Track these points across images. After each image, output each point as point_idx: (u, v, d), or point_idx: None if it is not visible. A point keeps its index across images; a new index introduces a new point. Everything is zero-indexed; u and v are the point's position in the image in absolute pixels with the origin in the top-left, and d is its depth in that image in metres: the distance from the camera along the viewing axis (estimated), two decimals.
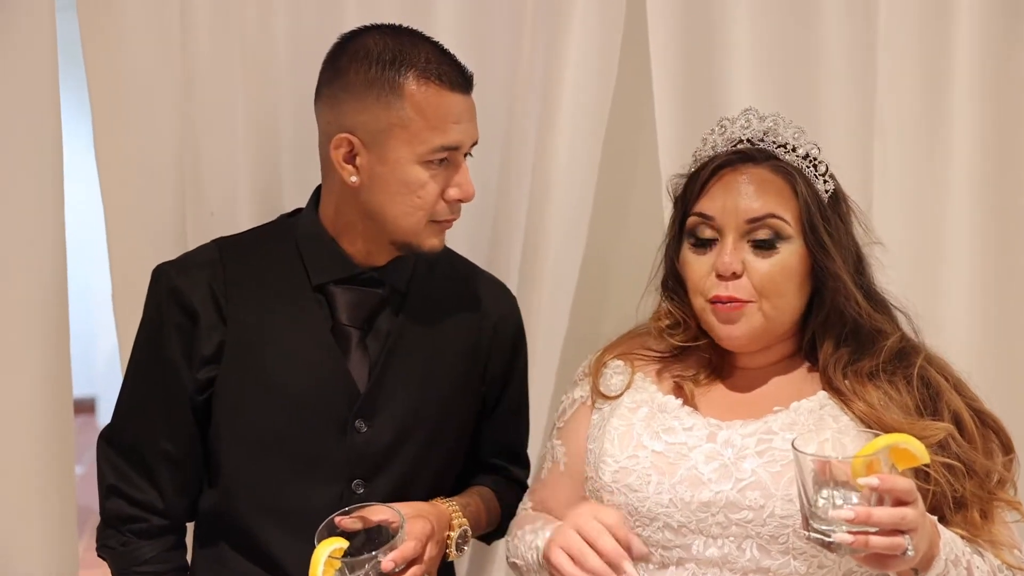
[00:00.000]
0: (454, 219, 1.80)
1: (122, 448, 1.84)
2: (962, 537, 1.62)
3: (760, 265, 1.71)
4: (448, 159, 1.75)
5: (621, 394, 1.80)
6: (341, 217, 1.81)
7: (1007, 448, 1.72)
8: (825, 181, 1.75)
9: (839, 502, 1.45)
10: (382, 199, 1.75)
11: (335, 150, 1.75)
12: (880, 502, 1.45)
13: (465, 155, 1.78)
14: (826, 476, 1.46)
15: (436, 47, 1.77)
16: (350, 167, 1.75)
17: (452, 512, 1.82)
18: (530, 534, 1.77)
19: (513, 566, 1.83)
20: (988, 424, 1.72)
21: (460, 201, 1.78)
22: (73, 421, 2.18)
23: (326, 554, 1.59)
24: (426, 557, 1.71)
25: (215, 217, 2.13)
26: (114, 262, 2.16)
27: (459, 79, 1.75)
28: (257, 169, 2.17)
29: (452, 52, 1.80)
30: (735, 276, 1.71)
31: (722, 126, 1.82)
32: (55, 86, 2.07)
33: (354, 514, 1.66)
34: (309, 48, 2.04)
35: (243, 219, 2.12)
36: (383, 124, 1.72)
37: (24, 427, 2.09)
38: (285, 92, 2.15)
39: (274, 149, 2.18)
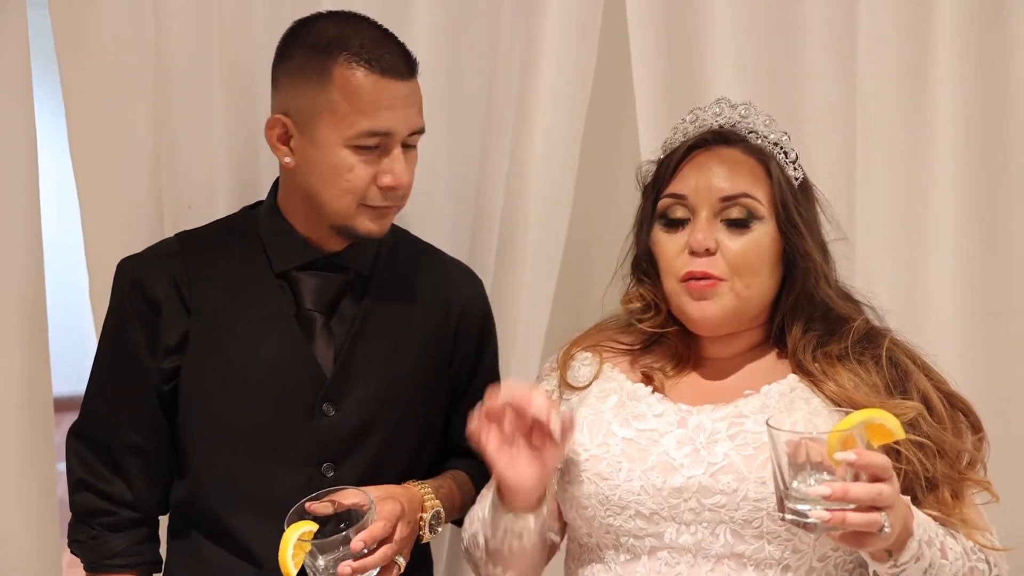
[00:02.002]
0: (390, 206, 1.79)
1: (89, 441, 1.85)
2: (935, 518, 1.60)
3: (734, 243, 1.70)
4: (381, 145, 1.74)
5: (589, 384, 1.78)
6: (288, 201, 1.84)
7: (976, 428, 1.71)
8: (795, 168, 1.76)
9: (813, 481, 1.43)
10: (314, 181, 1.77)
11: (269, 131, 1.79)
12: (856, 479, 1.43)
13: (411, 145, 1.78)
14: (801, 454, 1.44)
15: (380, 33, 1.77)
16: (285, 148, 1.78)
17: (424, 494, 1.81)
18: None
19: (467, 550, 1.82)
20: (956, 405, 1.71)
21: (393, 188, 1.76)
22: (54, 421, 2.17)
23: (295, 537, 1.59)
24: (396, 537, 1.70)
25: (192, 210, 2.11)
26: (90, 257, 2.15)
27: (395, 64, 1.74)
28: (235, 162, 2.16)
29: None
30: (708, 253, 1.70)
31: (694, 115, 1.82)
32: (28, 80, 2.07)
33: (325, 498, 1.66)
34: None
35: (221, 212, 2.09)
36: (313, 107, 1.74)
37: (3, 428, 2.08)
38: (263, 83, 2.10)
39: (252, 142, 2.15)
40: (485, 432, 1.62)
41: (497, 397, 1.61)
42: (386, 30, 1.79)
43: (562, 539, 1.81)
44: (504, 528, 1.69)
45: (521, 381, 1.65)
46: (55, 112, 2.19)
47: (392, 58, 1.74)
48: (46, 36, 2.10)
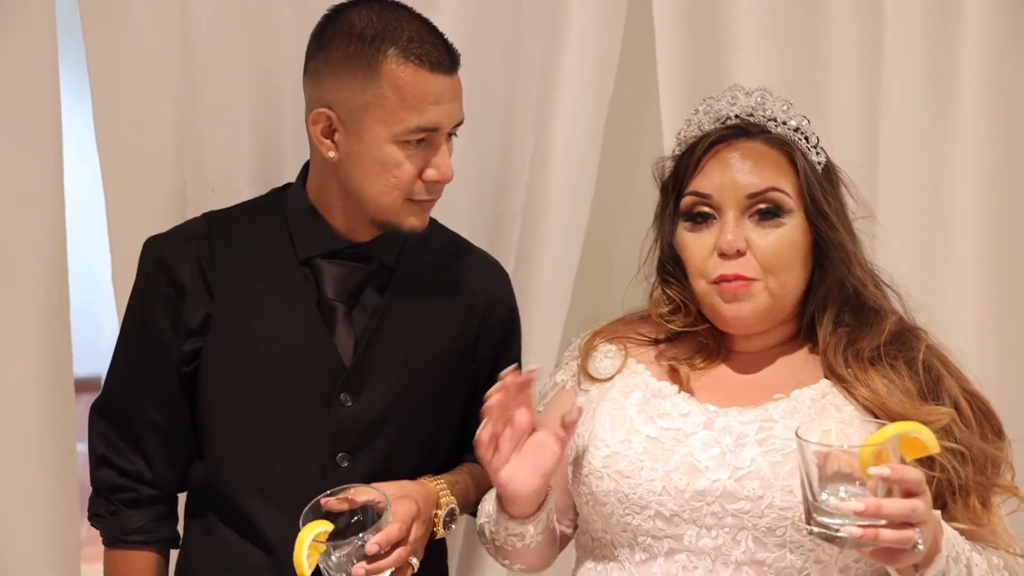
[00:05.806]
0: (434, 199, 1.78)
1: (111, 418, 1.86)
2: (963, 532, 1.57)
3: (765, 241, 1.67)
4: (427, 139, 1.73)
5: (612, 377, 1.75)
6: (324, 192, 1.81)
7: (998, 433, 1.68)
8: (818, 152, 1.73)
9: (844, 494, 1.40)
10: (359, 176, 1.75)
11: (313, 125, 1.76)
12: (888, 494, 1.39)
13: (450, 135, 1.77)
14: (831, 466, 1.40)
15: (424, 25, 1.75)
16: (328, 142, 1.76)
17: (439, 490, 1.81)
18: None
19: (480, 531, 1.83)
20: (980, 408, 1.67)
21: (438, 183, 1.76)
22: (74, 402, 2.18)
23: (311, 537, 1.59)
24: (411, 538, 1.69)
25: (216, 194, 2.11)
26: (114, 241, 2.15)
27: (442, 59, 1.72)
28: (258, 146, 2.15)
29: (446, 32, 1.77)
30: (739, 254, 1.66)
31: (707, 104, 1.78)
32: (54, 67, 2.06)
33: (340, 495, 1.65)
34: (311, 23, 2.00)
35: (244, 196, 2.08)
36: (360, 102, 1.71)
37: (25, 408, 2.09)
38: (286, 68, 2.11)
39: (275, 126, 2.15)
40: (485, 448, 1.61)
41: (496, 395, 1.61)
42: (427, 21, 1.76)
43: (575, 530, 1.80)
44: (506, 530, 1.71)
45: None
46: (80, 96, 2.19)
47: (439, 52, 1.71)
48: (73, 22, 2.09)
